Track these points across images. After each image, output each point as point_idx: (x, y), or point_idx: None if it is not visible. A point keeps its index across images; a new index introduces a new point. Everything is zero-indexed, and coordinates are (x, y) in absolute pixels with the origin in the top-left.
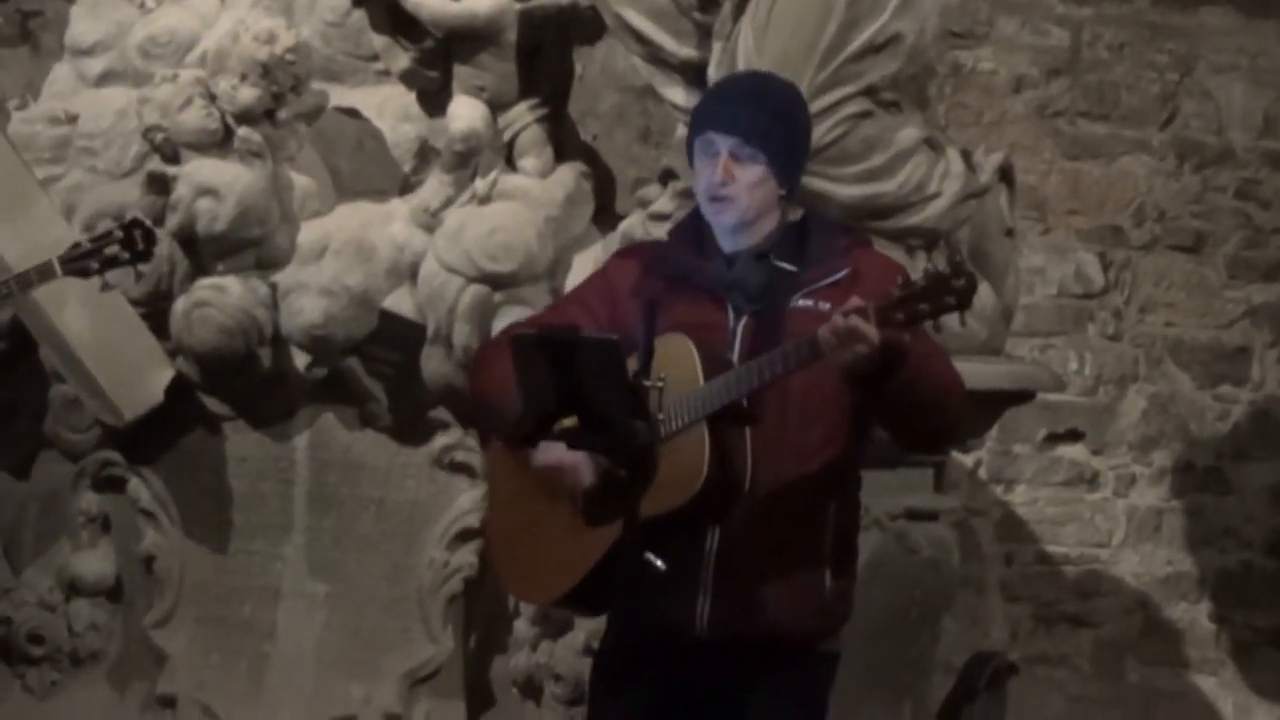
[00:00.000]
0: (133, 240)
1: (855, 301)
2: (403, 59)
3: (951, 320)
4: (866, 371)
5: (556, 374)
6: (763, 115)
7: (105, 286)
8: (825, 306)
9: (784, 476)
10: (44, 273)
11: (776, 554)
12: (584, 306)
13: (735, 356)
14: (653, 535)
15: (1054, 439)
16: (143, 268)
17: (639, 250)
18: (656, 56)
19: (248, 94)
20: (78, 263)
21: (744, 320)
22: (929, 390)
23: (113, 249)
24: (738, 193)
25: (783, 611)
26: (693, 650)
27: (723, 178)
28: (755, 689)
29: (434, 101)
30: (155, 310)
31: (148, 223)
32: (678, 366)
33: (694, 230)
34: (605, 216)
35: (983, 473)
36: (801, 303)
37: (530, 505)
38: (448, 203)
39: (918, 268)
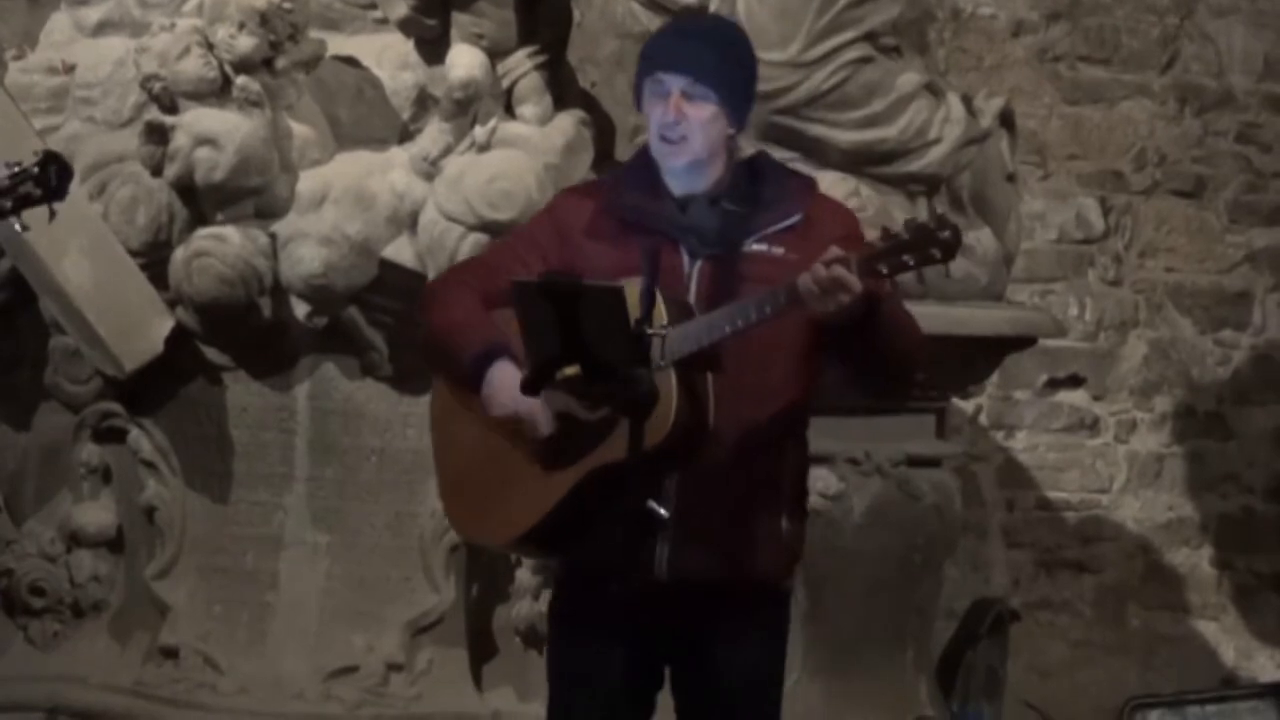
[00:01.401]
0: (47, 178)
1: (835, 251)
2: (401, 6)
3: (954, 265)
4: (846, 320)
5: (560, 321)
6: (711, 54)
7: (23, 228)
8: (779, 251)
9: (744, 419)
10: None
11: (736, 496)
12: (533, 245)
13: (692, 300)
14: (614, 479)
15: (1055, 384)
16: (57, 206)
17: (589, 189)
18: (656, 2)
19: (246, 42)
20: None
21: (699, 264)
22: (901, 336)
23: (27, 187)
24: (690, 131)
25: (742, 554)
26: (652, 593)
27: (675, 116)
28: (716, 630)
29: (433, 49)
30: (155, 260)
31: (64, 159)
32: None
33: (645, 171)
34: (605, 163)
35: (984, 419)
36: (756, 247)
37: (481, 447)
38: (447, 151)
39: (920, 213)
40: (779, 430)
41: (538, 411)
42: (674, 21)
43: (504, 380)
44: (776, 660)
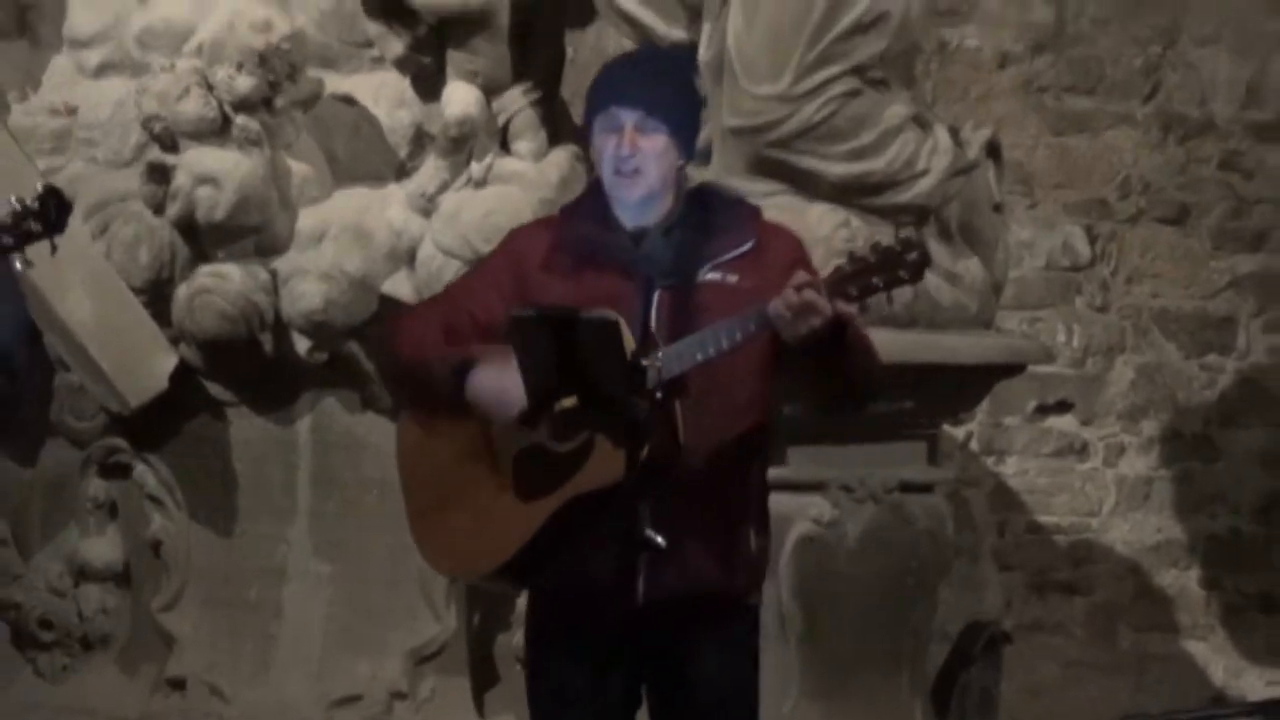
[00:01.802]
0: (48, 212)
1: (804, 275)
2: (397, 45)
3: (943, 294)
4: (815, 344)
5: (557, 353)
6: (662, 88)
7: (26, 264)
8: (734, 279)
9: (711, 441)
10: None
11: (707, 516)
12: (490, 282)
13: (654, 329)
14: (591, 506)
15: (1044, 410)
16: (57, 239)
17: (543, 225)
18: (647, 38)
19: (245, 82)
20: None
21: (657, 294)
22: (866, 358)
23: (29, 223)
24: (645, 164)
25: (715, 571)
26: (630, 613)
27: (630, 149)
28: (693, 645)
29: (429, 87)
30: (157, 297)
31: (64, 193)
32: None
33: (596, 206)
34: None
35: (974, 445)
36: (710, 275)
37: (452, 481)
38: (444, 187)
39: None
40: (745, 450)
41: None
42: (622, 57)
43: (488, 374)
44: (750, 673)
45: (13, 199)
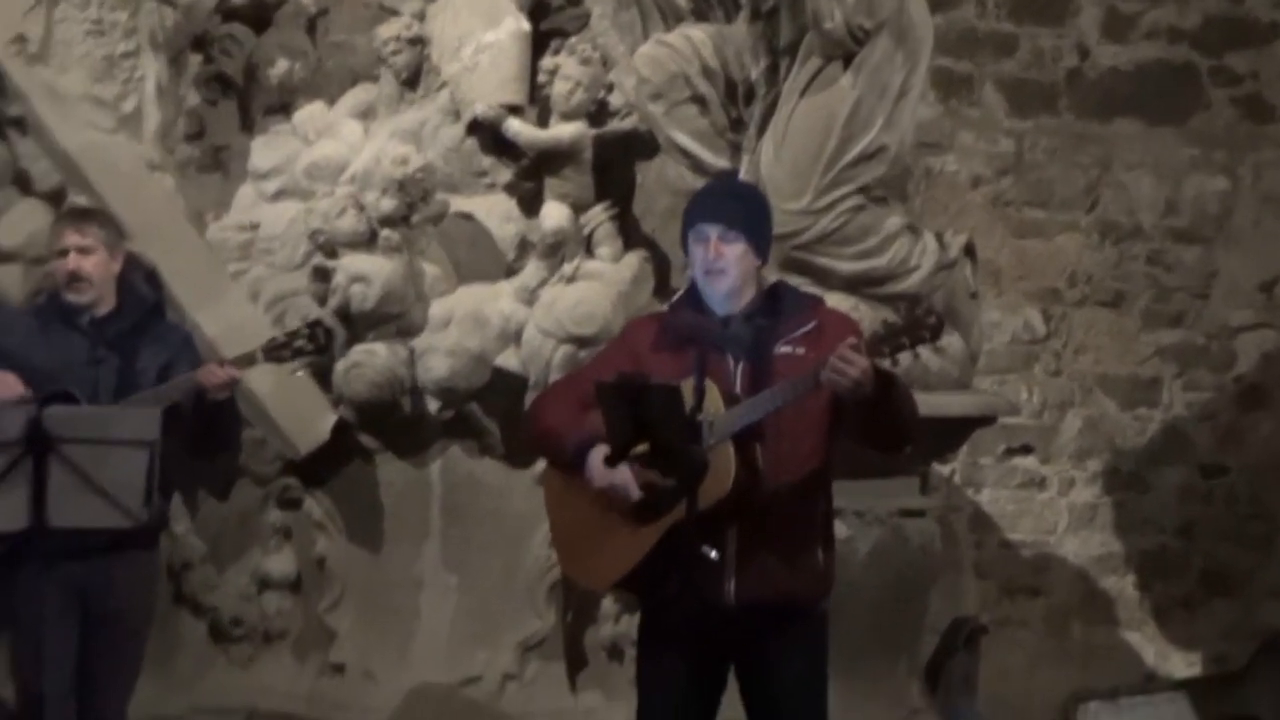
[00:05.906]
0: (316, 338)
1: (850, 340)
2: (506, 174)
3: (932, 362)
4: (863, 395)
5: (632, 412)
6: (739, 207)
7: (294, 371)
8: (801, 351)
9: (785, 478)
10: (249, 359)
11: (783, 537)
12: (611, 364)
13: (738, 391)
14: (687, 531)
15: (1011, 452)
16: (322, 359)
17: (651, 318)
18: (699, 167)
19: (388, 204)
20: (274, 353)
21: (741, 365)
22: (908, 401)
23: (300, 343)
24: (728, 265)
25: (791, 581)
26: (721, 616)
27: (715, 254)
28: (772, 644)
29: (530, 206)
30: (322, 370)
31: (328, 323)
32: (706, 400)
33: (692, 300)
34: (662, 291)
35: (957, 479)
36: (783, 349)
37: (585, 514)
38: (543, 283)
39: None
40: (811, 486)
41: (629, 482)
42: (708, 185)
43: (599, 461)
44: (820, 664)
45: (287, 328)
